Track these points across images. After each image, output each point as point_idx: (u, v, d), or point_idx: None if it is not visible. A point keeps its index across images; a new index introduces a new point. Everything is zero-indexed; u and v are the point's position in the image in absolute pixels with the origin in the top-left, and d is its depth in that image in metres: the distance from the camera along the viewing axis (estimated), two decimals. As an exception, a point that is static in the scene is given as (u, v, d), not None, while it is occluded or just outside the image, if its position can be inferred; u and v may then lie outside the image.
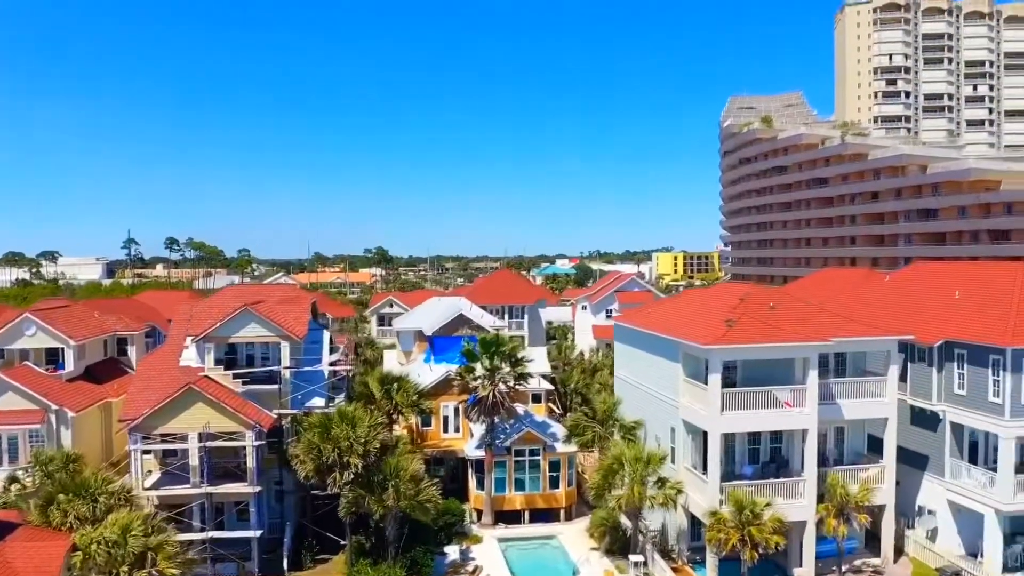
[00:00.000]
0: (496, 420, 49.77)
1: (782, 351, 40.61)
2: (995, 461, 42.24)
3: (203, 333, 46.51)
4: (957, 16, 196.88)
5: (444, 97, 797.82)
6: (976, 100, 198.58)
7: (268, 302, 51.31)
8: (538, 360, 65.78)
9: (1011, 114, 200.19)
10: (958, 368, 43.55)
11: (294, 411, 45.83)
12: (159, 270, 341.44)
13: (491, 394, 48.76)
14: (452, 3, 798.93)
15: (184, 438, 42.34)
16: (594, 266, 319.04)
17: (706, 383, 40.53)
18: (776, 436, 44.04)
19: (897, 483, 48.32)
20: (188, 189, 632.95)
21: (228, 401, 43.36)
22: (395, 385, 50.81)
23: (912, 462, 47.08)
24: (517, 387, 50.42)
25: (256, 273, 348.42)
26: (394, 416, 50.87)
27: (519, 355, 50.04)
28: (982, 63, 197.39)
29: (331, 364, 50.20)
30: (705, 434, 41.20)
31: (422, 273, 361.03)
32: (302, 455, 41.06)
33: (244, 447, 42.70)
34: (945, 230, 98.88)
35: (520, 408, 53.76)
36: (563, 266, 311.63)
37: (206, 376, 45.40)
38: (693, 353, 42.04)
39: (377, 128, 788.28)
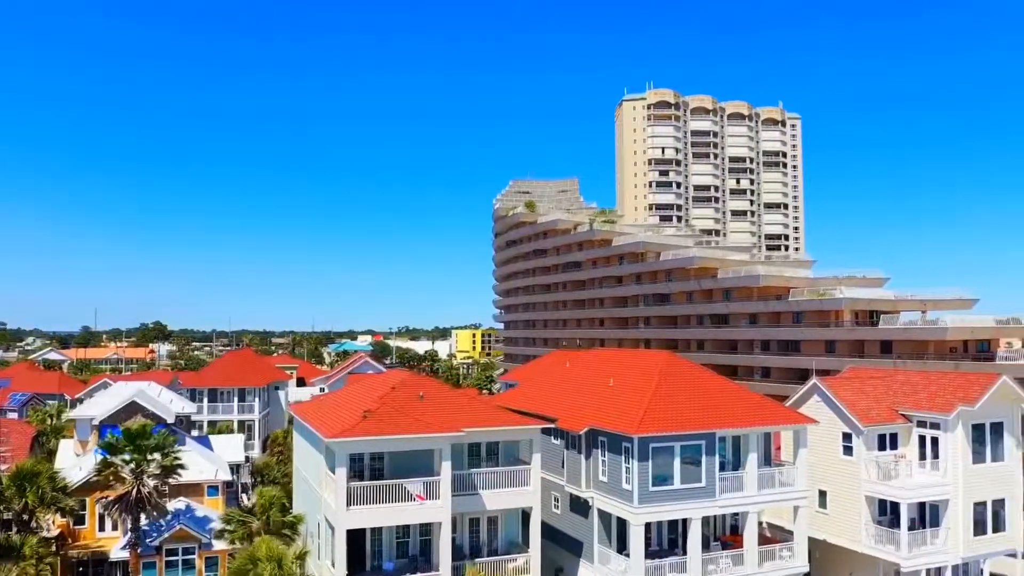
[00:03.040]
0: (144, 517, 46.06)
1: (412, 442, 39.71)
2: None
3: None
4: (721, 116, 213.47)
5: (241, 171, 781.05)
6: (739, 192, 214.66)
7: None
8: (228, 448, 62.66)
9: (769, 206, 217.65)
10: (601, 455, 44.38)
11: None
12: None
13: (135, 489, 45.11)
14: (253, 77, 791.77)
15: None
16: (396, 343, 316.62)
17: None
18: (426, 528, 42.97)
19: (560, 569, 48.71)
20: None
21: None
22: (28, 481, 46.00)
23: (573, 548, 47.39)
24: (169, 480, 47.00)
25: (30, 346, 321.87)
26: (24, 516, 45.98)
27: (168, 446, 46.64)
28: (743, 159, 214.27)
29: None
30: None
31: (220, 349, 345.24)
32: None
33: None
34: (676, 314, 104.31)
35: (183, 502, 50.34)
36: (364, 343, 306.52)
37: None
38: (327, 445, 40.54)
39: (173, 193, 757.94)
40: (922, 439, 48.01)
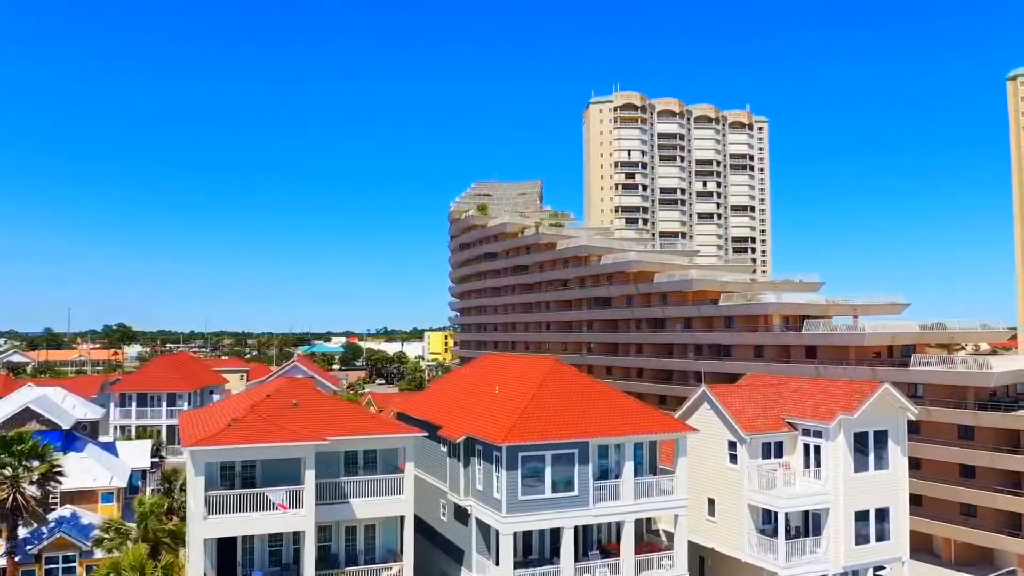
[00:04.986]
0: (21, 524, 45.75)
1: (273, 451, 39.47)
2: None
3: None
4: (688, 119, 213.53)
5: (226, 172, 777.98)
6: (706, 195, 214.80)
7: None
8: (135, 454, 62.29)
9: (736, 209, 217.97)
10: (478, 464, 44.21)
11: None
12: None
13: (12, 497, 44.78)
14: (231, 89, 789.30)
15: None
16: (370, 344, 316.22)
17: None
18: (299, 536, 42.66)
19: (446, 577, 48.54)
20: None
21: None
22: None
23: (457, 556, 47.25)
24: (49, 487, 46.75)
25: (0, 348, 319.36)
26: None
27: (47, 453, 46.31)
28: (710, 162, 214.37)
29: None
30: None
31: (196, 351, 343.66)
32: None
33: None
34: (616, 318, 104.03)
35: (68, 510, 50.05)
36: (336, 344, 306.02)
37: None
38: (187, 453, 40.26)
39: (152, 192, 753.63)
40: (807, 447, 48.02)
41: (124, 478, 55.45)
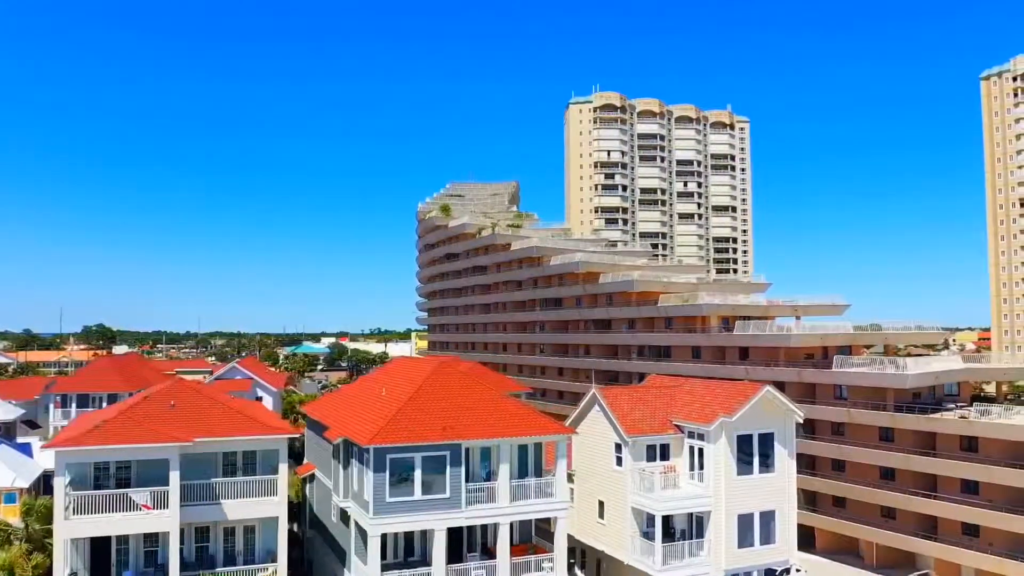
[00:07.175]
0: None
1: (137, 452, 39.82)
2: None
3: None
4: (669, 119, 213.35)
5: (221, 172, 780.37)
6: (687, 195, 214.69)
7: None
8: (50, 454, 62.50)
9: (717, 209, 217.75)
10: (355, 465, 44.41)
11: None
12: None
13: None
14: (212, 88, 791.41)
15: None
16: (357, 345, 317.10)
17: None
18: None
19: (333, 578, 48.77)
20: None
21: None
22: None
23: (342, 558, 47.53)
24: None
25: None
26: None
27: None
28: (691, 162, 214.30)
29: None
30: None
31: (187, 352, 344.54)
32: None
33: None
34: (566, 319, 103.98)
35: (-36, 510, 50.30)
36: (323, 345, 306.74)
37: None
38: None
39: (154, 192, 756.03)
40: (692, 450, 48.06)
41: (30, 478, 55.73)
